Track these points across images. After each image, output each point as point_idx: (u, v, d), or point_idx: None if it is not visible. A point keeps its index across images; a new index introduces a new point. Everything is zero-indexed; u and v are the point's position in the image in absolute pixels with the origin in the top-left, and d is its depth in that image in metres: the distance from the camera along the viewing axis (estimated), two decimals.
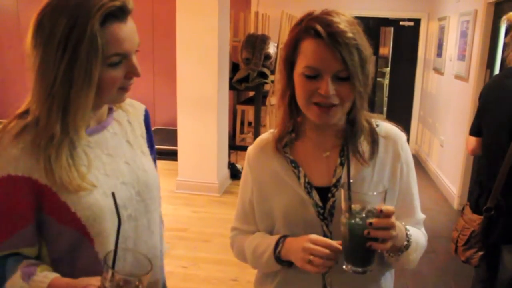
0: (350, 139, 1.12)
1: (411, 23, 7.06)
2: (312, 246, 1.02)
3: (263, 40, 5.01)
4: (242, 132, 6.15)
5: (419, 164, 6.29)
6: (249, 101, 5.97)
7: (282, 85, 1.13)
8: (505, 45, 3.92)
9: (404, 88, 7.29)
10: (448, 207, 4.75)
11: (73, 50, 0.92)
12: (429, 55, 6.61)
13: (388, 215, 0.95)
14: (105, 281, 0.84)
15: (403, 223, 1.11)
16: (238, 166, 5.25)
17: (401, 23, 7.26)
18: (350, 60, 1.00)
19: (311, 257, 1.01)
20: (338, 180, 1.12)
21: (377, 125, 1.17)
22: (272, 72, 5.16)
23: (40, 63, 0.94)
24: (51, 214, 0.99)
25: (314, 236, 1.05)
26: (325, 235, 1.09)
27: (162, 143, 5.50)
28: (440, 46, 5.87)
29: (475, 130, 2.29)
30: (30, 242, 0.99)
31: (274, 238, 1.15)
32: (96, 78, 0.95)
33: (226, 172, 5.02)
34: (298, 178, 1.14)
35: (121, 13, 0.96)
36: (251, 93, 6.07)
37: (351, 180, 1.01)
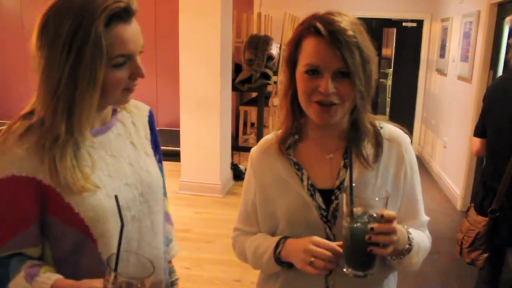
0: (353, 141, 1.12)
1: (414, 24, 7.06)
2: (314, 248, 1.02)
3: (265, 41, 5.01)
4: (245, 133, 6.15)
5: (422, 165, 6.28)
6: (251, 102, 5.97)
7: (285, 84, 1.14)
8: (508, 46, 3.92)
9: (407, 89, 7.28)
10: (451, 208, 4.74)
11: (77, 52, 0.92)
12: (432, 56, 6.59)
13: (389, 220, 0.95)
14: (108, 283, 0.84)
15: (406, 226, 1.11)
16: (241, 167, 5.25)
17: (404, 24, 7.25)
18: (350, 58, 1.00)
19: (313, 259, 1.01)
20: (342, 183, 1.11)
21: (381, 127, 1.17)
22: (275, 73, 5.16)
23: (45, 64, 0.94)
24: (55, 215, 0.99)
25: (316, 238, 1.04)
26: (328, 238, 1.09)
27: (165, 144, 5.50)
28: (443, 47, 5.86)
29: (480, 131, 2.29)
30: (34, 242, 1.00)
31: (275, 239, 1.15)
32: (101, 79, 0.95)
33: (229, 173, 5.02)
34: (302, 180, 1.13)
35: (125, 14, 0.97)
36: (254, 94, 6.07)
37: (354, 184, 1.01)
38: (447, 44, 5.62)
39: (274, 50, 5.07)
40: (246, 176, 1.26)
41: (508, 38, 4.01)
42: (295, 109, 1.14)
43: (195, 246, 3.60)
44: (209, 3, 4.30)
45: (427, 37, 6.77)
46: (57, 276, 0.96)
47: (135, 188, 1.09)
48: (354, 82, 1.02)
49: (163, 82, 6.28)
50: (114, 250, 0.88)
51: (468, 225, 2.19)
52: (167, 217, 1.36)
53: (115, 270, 0.85)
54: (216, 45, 4.39)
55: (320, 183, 1.13)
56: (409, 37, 7.34)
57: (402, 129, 1.19)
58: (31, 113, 1.00)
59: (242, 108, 5.83)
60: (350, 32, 1.01)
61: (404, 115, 6.96)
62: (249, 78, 4.99)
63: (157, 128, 1.30)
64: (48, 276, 0.95)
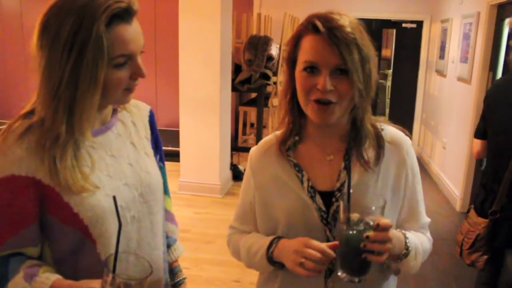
0: (354, 143, 1.11)
1: (414, 25, 7.06)
2: (304, 249, 1.02)
3: (265, 41, 5.01)
4: (244, 133, 6.15)
5: (422, 166, 6.28)
6: (251, 103, 5.98)
7: (285, 84, 1.13)
8: (508, 47, 3.93)
9: (406, 90, 7.29)
10: (451, 210, 4.74)
11: (79, 52, 0.92)
12: (432, 57, 6.60)
13: (385, 229, 0.96)
14: (106, 284, 0.84)
15: (403, 231, 1.11)
16: (240, 167, 5.25)
17: (403, 25, 7.27)
18: (349, 54, 0.99)
19: (303, 260, 1.01)
20: (342, 185, 1.10)
21: (382, 129, 1.16)
22: (275, 74, 5.16)
23: (46, 64, 0.94)
24: (54, 214, 0.99)
25: (307, 240, 1.03)
26: (328, 240, 1.08)
27: (164, 144, 5.40)
28: (442, 48, 5.87)
29: (480, 133, 2.28)
30: (33, 242, 1.00)
31: (268, 238, 1.14)
32: (102, 79, 0.95)
33: (228, 173, 5.02)
34: (302, 182, 1.12)
35: (126, 14, 0.97)
36: (254, 95, 6.08)
37: (353, 188, 1.00)
38: (446, 45, 5.63)
39: (274, 50, 5.07)
40: (245, 176, 1.25)
41: (508, 40, 4.01)
42: (294, 109, 1.13)
43: (194, 246, 3.60)
44: (209, 4, 4.31)
45: (426, 38, 6.78)
46: (56, 276, 0.96)
47: (135, 188, 1.09)
48: (353, 80, 1.01)
49: (163, 82, 6.27)
50: (113, 250, 0.88)
51: (468, 226, 2.19)
52: (171, 217, 1.36)
53: (114, 271, 0.85)
54: (216, 45, 4.39)
55: (320, 185, 1.12)
56: (409, 38, 7.35)
57: (403, 131, 1.19)
58: (31, 112, 1.00)
59: (241, 109, 5.83)
60: (349, 29, 1.01)
61: (403, 116, 6.97)
62: (249, 79, 4.99)
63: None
64: (47, 276, 0.95)
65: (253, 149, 1.24)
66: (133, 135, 1.16)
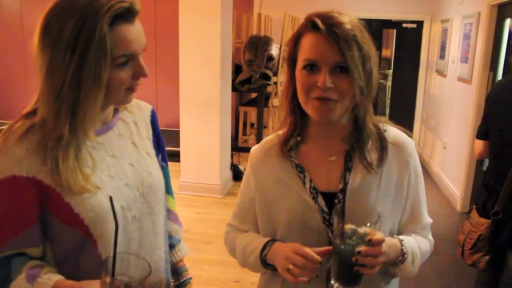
0: (357, 144, 1.10)
1: (414, 25, 7.07)
2: (292, 255, 1.01)
3: (265, 41, 5.01)
4: (244, 133, 6.15)
5: (422, 166, 6.23)
6: (251, 103, 5.97)
7: (286, 83, 1.13)
8: (510, 47, 3.92)
9: (406, 90, 7.30)
10: (451, 209, 4.74)
11: (82, 52, 0.92)
12: (432, 57, 6.60)
13: (377, 244, 0.96)
14: (105, 285, 0.84)
15: (400, 237, 1.11)
16: (241, 167, 5.25)
17: (404, 25, 7.27)
18: (348, 51, 0.98)
19: (291, 266, 1.00)
20: (345, 186, 1.09)
21: (385, 130, 1.14)
22: (275, 74, 5.16)
23: (48, 65, 0.94)
24: (55, 215, 0.99)
25: (298, 245, 1.03)
26: (330, 241, 1.07)
27: (165, 144, 5.47)
28: (443, 48, 5.87)
29: (482, 133, 2.28)
30: (35, 242, 1.00)
31: (263, 240, 1.14)
32: (105, 80, 0.95)
33: (228, 173, 5.02)
34: (304, 183, 1.11)
35: (128, 14, 0.97)
36: (254, 95, 6.07)
37: (357, 188, 1.00)
38: (447, 45, 5.63)
39: (274, 50, 5.07)
40: (245, 175, 1.24)
41: (509, 40, 4.01)
42: (296, 109, 1.12)
43: (195, 246, 3.60)
44: (209, 4, 4.30)
45: (427, 38, 6.78)
46: (58, 277, 0.96)
47: (136, 188, 1.09)
48: (353, 77, 0.99)
49: (163, 82, 6.27)
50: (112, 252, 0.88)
51: (470, 227, 2.19)
52: (175, 217, 1.36)
53: (113, 271, 0.85)
54: (216, 45, 4.39)
55: (323, 186, 1.11)
56: (409, 38, 7.35)
57: (406, 132, 1.18)
58: (32, 113, 1.00)
59: (242, 109, 5.83)
60: (348, 26, 1.00)
61: (404, 116, 6.97)
62: (249, 79, 4.99)
63: None
64: (49, 277, 0.95)
65: (254, 148, 1.23)
66: (134, 135, 1.16)
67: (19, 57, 6.19)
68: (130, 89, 1.03)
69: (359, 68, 1.00)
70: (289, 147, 1.15)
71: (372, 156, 1.10)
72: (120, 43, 0.95)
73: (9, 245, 0.97)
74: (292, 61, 1.09)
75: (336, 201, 1.09)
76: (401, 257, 1.08)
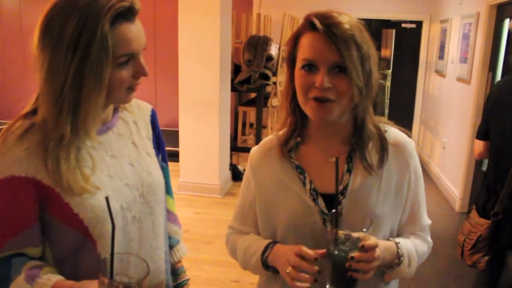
0: (357, 145, 1.10)
1: (413, 25, 7.07)
2: (292, 257, 1.01)
3: (265, 41, 5.01)
4: (243, 133, 6.15)
5: (421, 166, 6.26)
6: (250, 103, 5.97)
7: (285, 84, 1.12)
8: (509, 47, 3.92)
9: (405, 90, 7.31)
10: (450, 210, 4.74)
11: (83, 52, 0.91)
12: (431, 57, 6.60)
13: (370, 249, 0.96)
14: (103, 286, 0.84)
15: (395, 239, 1.11)
16: (240, 167, 5.25)
17: (403, 25, 7.28)
18: (346, 51, 0.98)
19: (290, 269, 1.00)
20: (345, 188, 1.09)
21: (385, 131, 1.14)
22: (274, 74, 5.16)
23: (49, 65, 0.93)
24: (54, 215, 0.99)
25: (300, 247, 1.02)
26: None
27: (164, 144, 5.47)
28: (442, 49, 5.87)
29: (482, 133, 2.28)
30: (34, 243, 0.99)
31: (265, 242, 1.14)
32: (107, 79, 0.94)
33: (227, 173, 5.02)
34: (304, 184, 1.11)
35: (129, 13, 0.96)
36: (253, 95, 6.07)
37: (357, 190, 0.99)
38: (446, 46, 5.63)
39: (273, 50, 5.07)
40: (245, 176, 1.24)
41: (508, 40, 4.01)
42: (296, 110, 1.12)
43: (194, 246, 3.59)
44: (208, 4, 4.30)
45: (426, 38, 6.78)
46: (57, 277, 0.96)
47: (136, 188, 1.09)
48: (351, 77, 0.99)
49: (162, 82, 6.27)
50: (114, 251, 0.87)
51: (469, 227, 2.19)
52: (174, 218, 1.35)
53: (111, 272, 0.85)
54: (215, 45, 4.39)
55: (323, 188, 1.11)
56: (408, 38, 7.36)
57: (406, 133, 1.17)
58: (31, 113, 1.00)
59: (241, 109, 5.83)
60: (347, 26, 1.00)
61: (403, 116, 6.97)
62: (248, 79, 4.99)
63: None
64: (49, 278, 0.95)
65: (254, 149, 1.23)
66: (134, 135, 1.15)
67: (18, 57, 6.19)
68: (131, 89, 1.03)
69: (358, 68, 1.00)
70: (289, 148, 1.14)
71: (373, 157, 1.10)
72: (121, 42, 0.95)
73: (8, 245, 0.97)
74: (291, 61, 1.09)
75: (340, 197, 1.09)
76: (397, 259, 1.08)
